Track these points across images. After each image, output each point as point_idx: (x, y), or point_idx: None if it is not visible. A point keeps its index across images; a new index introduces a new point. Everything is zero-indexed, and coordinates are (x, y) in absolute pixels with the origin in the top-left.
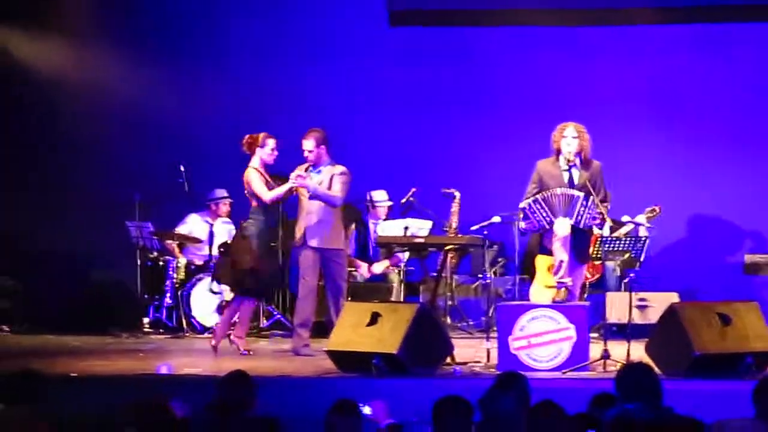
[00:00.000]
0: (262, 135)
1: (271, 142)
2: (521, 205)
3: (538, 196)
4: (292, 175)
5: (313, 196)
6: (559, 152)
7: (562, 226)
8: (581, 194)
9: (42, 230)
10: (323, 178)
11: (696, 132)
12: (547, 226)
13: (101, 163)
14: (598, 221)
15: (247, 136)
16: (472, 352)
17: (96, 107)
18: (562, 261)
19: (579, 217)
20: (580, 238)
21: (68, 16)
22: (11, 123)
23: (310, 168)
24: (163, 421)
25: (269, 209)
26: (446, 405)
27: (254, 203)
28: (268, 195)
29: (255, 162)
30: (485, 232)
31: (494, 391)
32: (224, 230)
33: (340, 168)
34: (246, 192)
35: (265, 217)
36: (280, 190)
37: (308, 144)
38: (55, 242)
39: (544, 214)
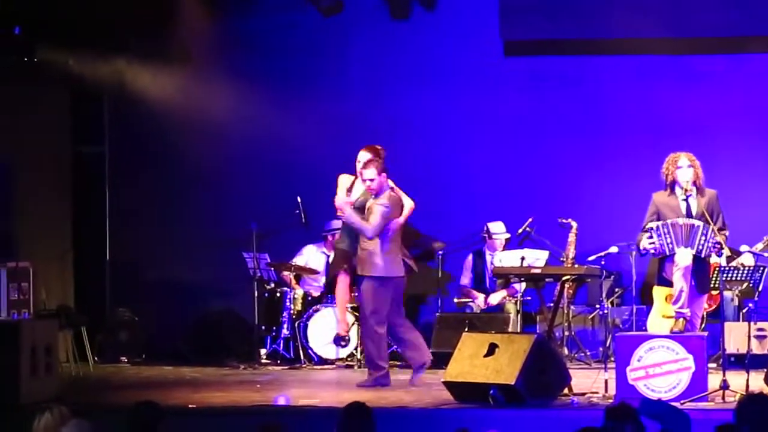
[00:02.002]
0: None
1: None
2: (649, 225)
3: (668, 221)
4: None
5: (350, 223)
6: (673, 184)
7: (684, 256)
8: (701, 223)
9: (160, 262)
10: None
11: None
12: (668, 252)
13: (219, 194)
14: (717, 249)
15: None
16: (589, 382)
17: (214, 139)
18: (682, 291)
19: (700, 247)
20: (700, 268)
21: (186, 48)
22: (131, 155)
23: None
24: None
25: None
26: None
27: None
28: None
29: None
30: (602, 262)
31: (611, 423)
32: None
33: (385, 197)
34: None
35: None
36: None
37: (369, 173)
38: (173, 274)
39: (669, 240)
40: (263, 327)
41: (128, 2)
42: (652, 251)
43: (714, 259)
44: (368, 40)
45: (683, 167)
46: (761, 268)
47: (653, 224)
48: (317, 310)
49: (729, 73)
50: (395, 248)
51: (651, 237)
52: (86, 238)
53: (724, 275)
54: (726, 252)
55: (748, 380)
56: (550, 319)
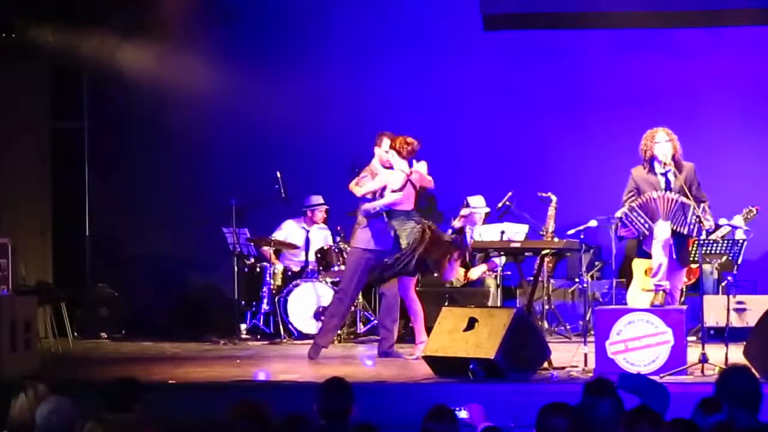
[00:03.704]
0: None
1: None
2: (617, 214)
3: (633, 203)
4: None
5: None
6: (651, 159)
7: (663, 230)
8: (679, 196)
9: (140, 237)
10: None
11: None
12: (646, 232)
13: (198, 169)
14: (697, 224)
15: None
16: (569, 356)
17: (194, 114)
18: (660, 264)
19: (679, 220)
20: (680, 241)
21: (168, 23)
22: (110, 131)
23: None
24: (260, 425)
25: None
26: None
27: None
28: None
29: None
30: (582, 236)
31: (589, 398)
32: (320, 236)
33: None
34: None
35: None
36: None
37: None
38: (152, 249)
39: (642, 221)
40: (243, 302)
41: None
42: (626, 234)
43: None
44: (348, 15)
45: (661, 142)
46: (740, 241)
47: (620, 213)
48: (297, 285)
49: (707, 46)
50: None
51: (624, 225)
52: (66, 213)
53: (703, 248)
54: (706, 225)
55: (727, 353)
56: (530, 293)
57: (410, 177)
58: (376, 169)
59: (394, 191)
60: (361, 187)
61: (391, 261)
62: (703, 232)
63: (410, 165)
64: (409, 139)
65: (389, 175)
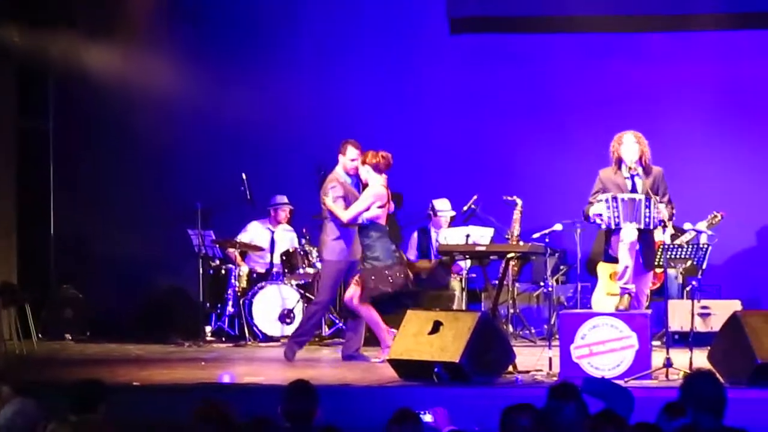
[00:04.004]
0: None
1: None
2: (600, 197)
3: (617, 195)
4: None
5: None
6: (619, 161)
7: (629, 232)
8: (642, 197)
9: (105, 238)
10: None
11: (758, 137)
12: (614, 227)
13: (163, 170)
14: (662, 224)
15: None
16: (533, 360)
17: (160, 115)
18: (626, 267)
19: (647, 219)
20: (646, 245)
21: (134, 23)
22: (76, 130)
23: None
24: (224, 427)
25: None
26: (515, 413)
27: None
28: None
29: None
30: (547, 240)
31: (554, 402)
32: (286, 238)
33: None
34: None
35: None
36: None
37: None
38: (118, 250)
39: (616, 215)
40: (208, 304)
41: None
42: (599, 221)
43: (658, 237)
44: (316, 16)
45: (627, 144)
46: (705, 246)
47: (603, 196)
48: (262, 287)
49: (674, 51)
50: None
51: (599, 208)
52: (30, 214)
53: (668, 253)
54: (670, 229)
55: (691, 358)
56: (495, 296)
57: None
58: (340, 177)
59: (380, 207)
60: (345, 210)
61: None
62: (667, 234)
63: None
64: (384, 153)
65: (375, 191)
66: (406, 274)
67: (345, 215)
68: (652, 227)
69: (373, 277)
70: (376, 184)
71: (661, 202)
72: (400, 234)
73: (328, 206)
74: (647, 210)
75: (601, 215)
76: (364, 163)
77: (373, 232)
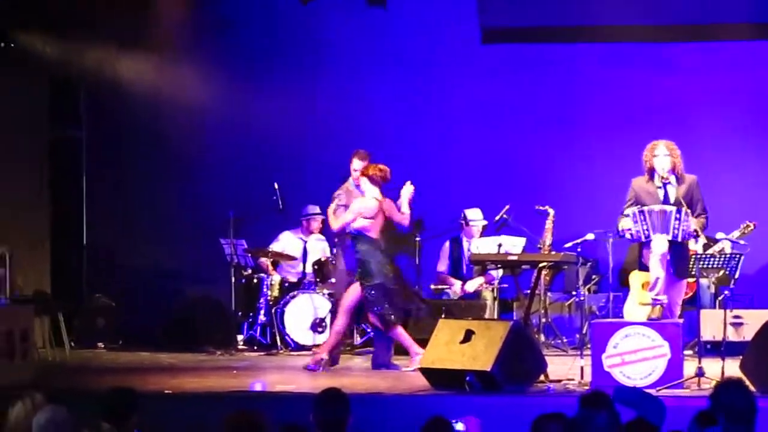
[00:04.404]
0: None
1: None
2: (627, 211)
3: (644, 208)
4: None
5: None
6: (652, 171)
7: (660, 243)
8: (673, 208)
9: (137, 248)
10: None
11: None
12: (644, 239)
13: (195, 180)
14: (693, 235)
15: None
16: (565, 369)
17: (192, 124)
18: (658, 278)
19: (675, 231)
20: (678, 254)
21: (164, 34)
22: (108, 141)
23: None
24: None
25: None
26: (546, 422)
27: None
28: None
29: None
30: (579, 249)
31: (585, 411)
32: (318, 247)
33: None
34: None
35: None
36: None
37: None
38: (150, 260)
39: (645, 227)
40: (240, 313)
41: None
42: (629, 236)
43: (691, 246)
44: (346, 27)
45: (660, 156)
46: (737, 256)
47: (631, 210)
48: (294, 296)
49: (704, 61)
50: None
51: (629, 222)
52: (63, 223)
53: (701, 263)
54: (702, 239)
55: (723, 367)
56: (527, 305)
57: (382, 205)
58: (350, 187)
59: (365, 218)
60: (337, 218)
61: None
62: (700, 244)
63: (382, 191)
64: (382, 167)
65: (362, 203)
66: (397, 291)
67: (333, 225)
68: (681, 239)
69: (372, 293)
70: (369, 196)
71: (693, 212)
72: (411, 248)
73: (329, 216)
74: (677, 222)
75: (630, 230)
76: (363, 174)
77: (360, 244)
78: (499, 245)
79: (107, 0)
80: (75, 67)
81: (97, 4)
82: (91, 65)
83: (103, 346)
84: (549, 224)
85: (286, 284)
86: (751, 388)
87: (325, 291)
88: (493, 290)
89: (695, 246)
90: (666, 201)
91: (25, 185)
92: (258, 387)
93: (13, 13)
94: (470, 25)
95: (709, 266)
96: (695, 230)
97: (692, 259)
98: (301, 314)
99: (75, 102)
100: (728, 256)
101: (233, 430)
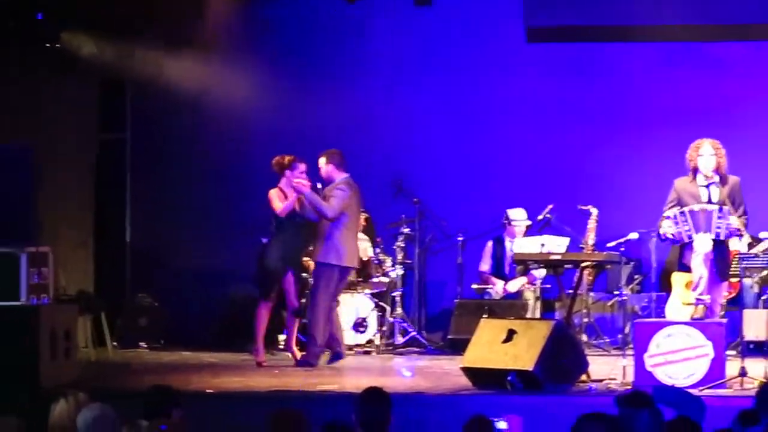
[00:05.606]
0: (289, 158)
1: (301, 167)
2: (667, 213)
3: (685, 208)
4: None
5: (309, 202)
6: (696, 170)
7: (703, 242)
8: (715, 207)
9: (180, 248)
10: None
11: None
12: (687, 240)
13: (239, 180)
14: (737, 233)
15: (276, 158)
16: (607, 369)
17: (235, 126)
18: (701, 277)
19: (718, 230)
20: (721, 255)
21: (210, 36)
22: (152, 142)
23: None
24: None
25: (285, 225)
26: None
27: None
28: (279, 207)
29: (282, 183)
30: (622, 249)
31: (628, 409)
32: (360, 246)
33: (340, 182)
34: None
35: (282, 233)
36: (289, 200)
37: (321, 161)
38: (193, 259)
39: (687, 228)
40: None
41: None
42: (671, 236)
43: (734, 246)
44: (391, 27)
45: (705, 155)
46: None
47: (671, 212)
48: None
49: (751, 60)
50: (350, 237)
51: (677, 223)
52: (107, 223)
53: (744, 262)
54: (746, 238)
55: (766, 368)
56: (569, 305)
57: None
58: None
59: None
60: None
61: None
62: (744, 243)
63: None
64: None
65: None
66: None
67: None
68: (723, 237)
69: None
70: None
71: (735, 213)
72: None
73: None
74: (720, 221)
75: (672, 233)
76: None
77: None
78: (542, 245)
79: (155, 1)
80: (122, 68)
81: (144, 5)
82: (138, 67)
83: (145, 345)
84: (592, 224)
85: None
86: None
87: (367, 290)
88: (535, 290)
89: (739, 245)
90: (709, 201)
91: (71, 185)
92: (300, 386)
93: (62, 15)
94: (515, 24)
95: (753, 266)
96: (738, 228)
97: (736, 259)
98: (343, 314)
99: (122, 104)
100: None
101: (276, 429)
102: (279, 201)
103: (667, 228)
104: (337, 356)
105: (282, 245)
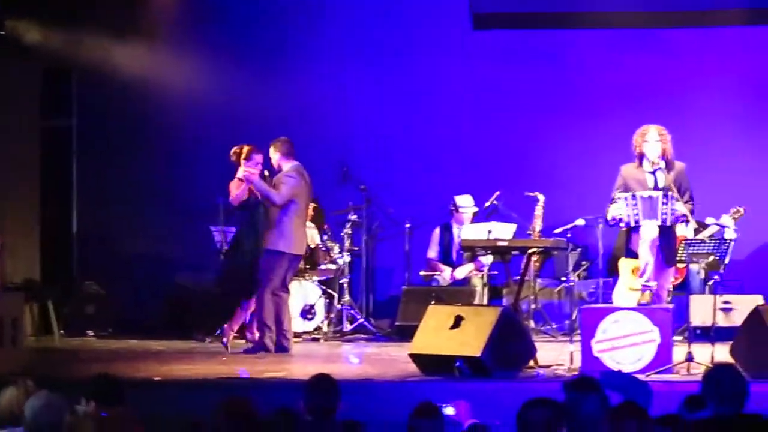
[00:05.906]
0: (248, 148)
1: (257, 157)
2: (617, 195)
3: (635, 193)
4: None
5: (258, 190)
6: (641, 156)
7: (649, 229)
8: (659, 193)
9: (127, 235)
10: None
11: None
12: (632, 224)
13: (185, 167)
14: (683, 219)
15: (234, 148)
16: (555, 355)
17: (180, 111)
18: (647, 263)
19: (664, 216)
20: (667, 241)
21: (156, 21)
22: (99, 129)
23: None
24: (246, 422)
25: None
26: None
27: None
28: (233, 196)
29: (239, 173)
30: (568, 235)
31: (574, 394)
32: (308, 234)
33: (289, 169)
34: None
35: (239, 221)
36: (240, 190)
37: (270, 151)
38: (140, 247)
39: (635, 212)
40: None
41: None
42: (621, 224)
43: (681, 232)
44: (338, 13)
45: (650, 141)
46: (727, 241)
47: (621, 194)
48: None
49: (696, 46)
50: (299, 225)
51: (619, 206)
52: (53, 211)
53: (691, 248)
54: (692, 224)
55: (713, 353)
56: (517, 292)
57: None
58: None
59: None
60: None
61: None
62: (690, 229)
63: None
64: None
65: None
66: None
67: None
68: (669, 223)
69: None
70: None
71: (681, 199)
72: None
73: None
74: (665, 206)
75: (620, 217)
76: None
77: None
78: (489, 231)
79: None
80: (67, 55)
81: None
82: (83, 53)
83: (92, 333)
84: (539, 210)
85: None
86: (742, 372)
87: (315, 278)
88: (482, 276)
89: (686, 231)
90: (656, 187)
91: (16, 173)
92: (247, 373)
93: (6, 2)
94: (462, 10)
95: (699, 251)
96: (684, 214)
97: (682, 245)
98: (291, 301)
99: (66, 90)
100: (718, 241)
101: (224, 416)
102: (236, 190)
103: (614, 211)
104: (271, 349)
105: (255, 232)
